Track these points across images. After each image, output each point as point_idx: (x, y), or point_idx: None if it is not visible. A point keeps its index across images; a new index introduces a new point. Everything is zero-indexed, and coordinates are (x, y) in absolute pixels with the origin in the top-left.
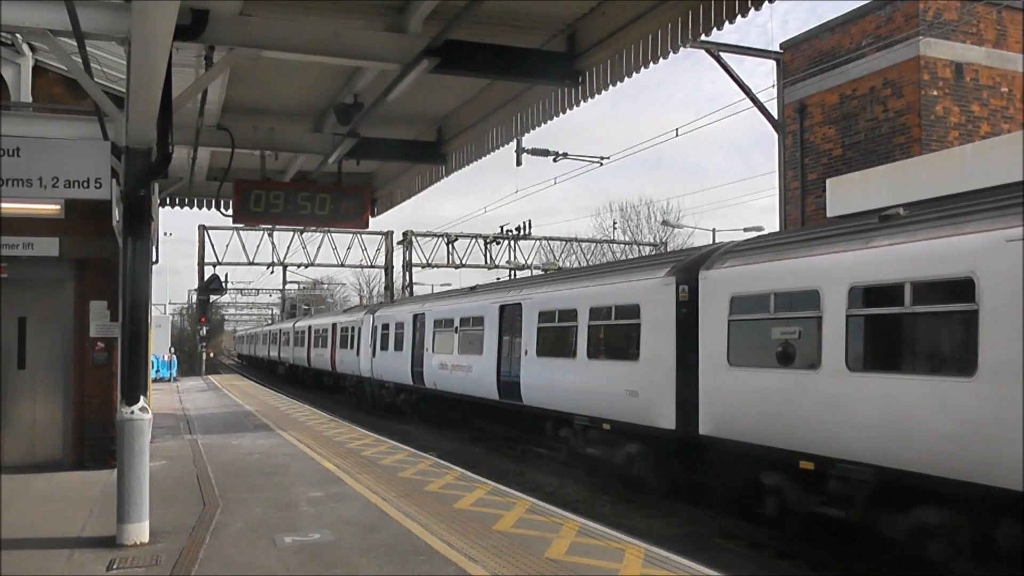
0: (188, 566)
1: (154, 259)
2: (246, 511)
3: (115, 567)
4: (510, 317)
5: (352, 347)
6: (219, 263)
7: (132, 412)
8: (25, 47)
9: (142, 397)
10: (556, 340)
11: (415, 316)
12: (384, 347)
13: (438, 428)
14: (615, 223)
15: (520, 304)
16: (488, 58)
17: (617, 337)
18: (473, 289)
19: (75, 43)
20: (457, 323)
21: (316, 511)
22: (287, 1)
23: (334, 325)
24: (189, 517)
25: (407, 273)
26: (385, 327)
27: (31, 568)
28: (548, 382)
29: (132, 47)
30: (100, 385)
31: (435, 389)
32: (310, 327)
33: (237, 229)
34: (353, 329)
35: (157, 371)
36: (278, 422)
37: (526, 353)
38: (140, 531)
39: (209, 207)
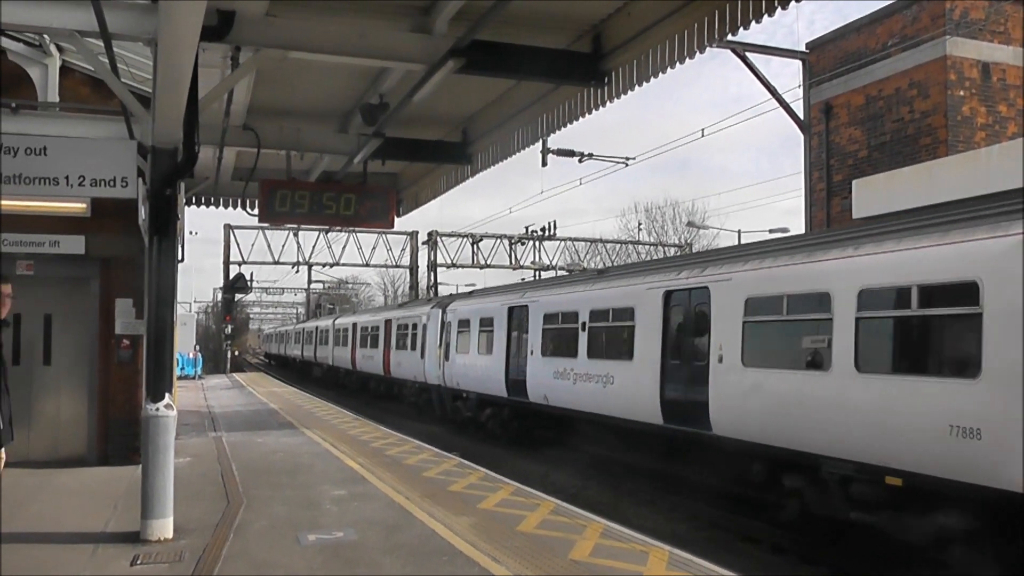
0: (211, 563)
1: (180, 258)
2: (270, 509)
3: (139, 562)
4: (682, 308)
5: (413, 348)
6: (244, 262)
7: (157, 409)
8: (52, 48)
9: (167, 394)
10: (783, 342)
11: (511, 310)
12: (462, 348)
13: (541, 454)
14: (640, 224)
15: (705, 289)
16: (514, 59)
17: (925, 338)
18: (603, 272)
19: (102, 44)
20: (585, 317)
21: (340, 510)
22: (313, 2)
23: (388, 322)
24: (213, 514)
25: (432, 273)
26: (463, 324)
27: (56, 562)
28: (768, 405)
29: (159, 48)
30: (125, 382)
31: (546, 404)
32: (355, 324)
33: (262, 228)
34: (415, 326)
35: (182, 369)
36: (302, 421)
37: (720, 360)
38: (164, 527)
39: (235, 206)
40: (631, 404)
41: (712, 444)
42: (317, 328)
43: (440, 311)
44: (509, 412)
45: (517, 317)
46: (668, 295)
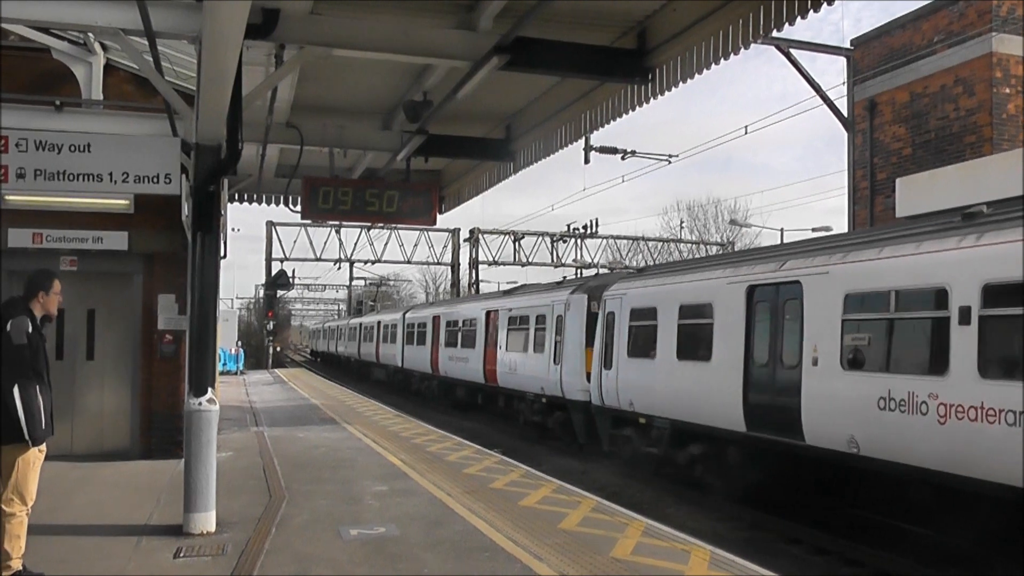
0: (254, 556)
1: (222, 254)
2: (311, 503)
3: (182, 555)
4: None
5: (537, 349)
6: (286, 259)
7: (200, 403)
8: (97, 46)
9: (210, 389)
10: None
11: (754, 290)
12: (640, 351)
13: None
14: (682, 222)
15: None
16: (558, 55)
17: None
18: (974, 216)
19: (146, 42)
20: (968, 299)
21: (381, 505)
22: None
23: (491, 314)
24: (255, 508)
25: (473, 270)
26: (641, 315)
27: (101, 554)
28: None
29: (203, 46)
30: (167, 377)
31: (852, 454)
32: (437, 317)
33: (304, 225)
34: (540, 320)
35: (224, 364)
36: (344, 416)
37: None
38: (207, 520)
39: (277, 203)
40: None
41: None
42: (380, 323)
43: (586, 298)
44: (742, 455)
45: (769, 301)
46: None
